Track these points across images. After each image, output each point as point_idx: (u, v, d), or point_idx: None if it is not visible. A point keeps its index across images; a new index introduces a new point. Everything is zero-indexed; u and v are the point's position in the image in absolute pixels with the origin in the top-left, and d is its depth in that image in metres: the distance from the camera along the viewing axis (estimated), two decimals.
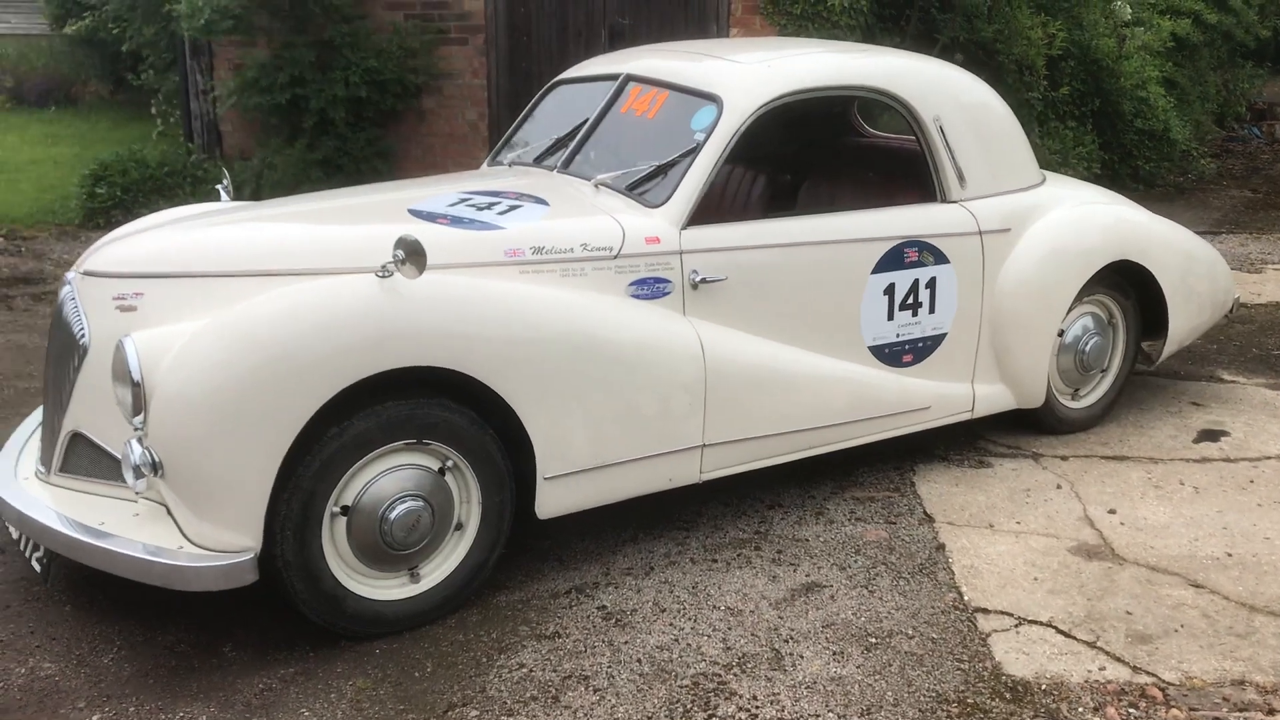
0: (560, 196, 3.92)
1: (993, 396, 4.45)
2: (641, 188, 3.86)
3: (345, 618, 3.24)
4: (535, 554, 3.78)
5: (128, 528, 3.16)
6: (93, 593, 3.51)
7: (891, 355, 4.16)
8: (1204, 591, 3.54)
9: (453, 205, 3.77)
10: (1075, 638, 3.29)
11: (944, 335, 4.26)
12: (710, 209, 3.88)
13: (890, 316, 4.11)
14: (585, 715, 2.96)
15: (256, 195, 8.09)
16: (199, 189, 8.92)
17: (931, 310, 4.20)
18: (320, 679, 3.13)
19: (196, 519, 3.05)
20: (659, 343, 3.58)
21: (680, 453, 3.68)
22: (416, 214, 3.66)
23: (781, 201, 4.82)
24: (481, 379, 3.26)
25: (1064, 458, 4.56)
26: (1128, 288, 4.76)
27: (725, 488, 4.12)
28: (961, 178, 4.28)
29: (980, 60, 8.90)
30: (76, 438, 3.39)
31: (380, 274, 3.17)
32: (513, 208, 3.78)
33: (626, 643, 3.28)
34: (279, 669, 3.18)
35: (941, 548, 3.82)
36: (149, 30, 10.29)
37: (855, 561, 3.73)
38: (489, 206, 3.77)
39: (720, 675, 3.12)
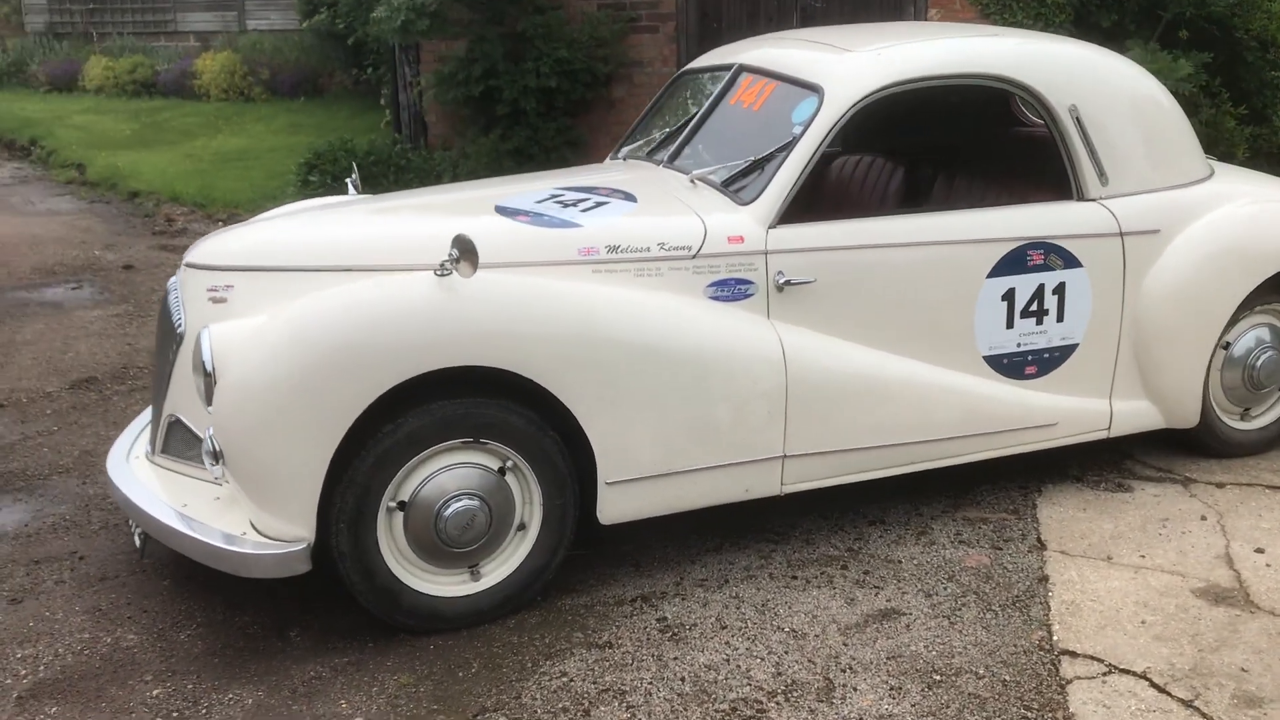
0: (652, 192, 3.81)
1: (1135, 414, 4.04)
2: (738, 183, 3.71)
3: (401, 612, 3.27)
4: (613, 558, 3.70)
5: (205, 511, 3.28)
6: (192, 570, 3.67)
7: (1012, 366, 3.84)
8: None
9: (540, 202, 3.72)
10: (1170, 693, 2.94)
11: (1074, 346, 3.90)
12: (810, 205, 3.68)
13: (1010, 324, 3.79)
14: None
15: None
16: (401, 178, 9.27)
17: (1060, 319, 3.85)
18: (369, 671, 3.16)
19: (256, 507, 3.13)
20: (734, 348, 3.43)
21: (758, 463, 3.51)
22: (502, 210, 3.64)
23: (904, 198, 4.52)
24: (538, 380, 3.20)
25: (1220, 485, 4.10)
26: None
27: (825, 500, 3.92)
28: (1102, 173, 3.89)
29: (1212, 38, 8.15)
30: (175, 422, 3.55)
31: (439, 272, 3.16)
32: (599, 204, 3.70)
33: (676, 659, 3.16)
34: (334, 658, 3.23)
35: (1045, 579, 3.50)
36: (366, 26, 10.75)
37: (944, 589, 3.47)
38: (576, 204, 3.70)
39: (762, 703, 2.96)
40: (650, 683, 3.06)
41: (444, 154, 9.31)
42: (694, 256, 3.48)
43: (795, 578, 3.58)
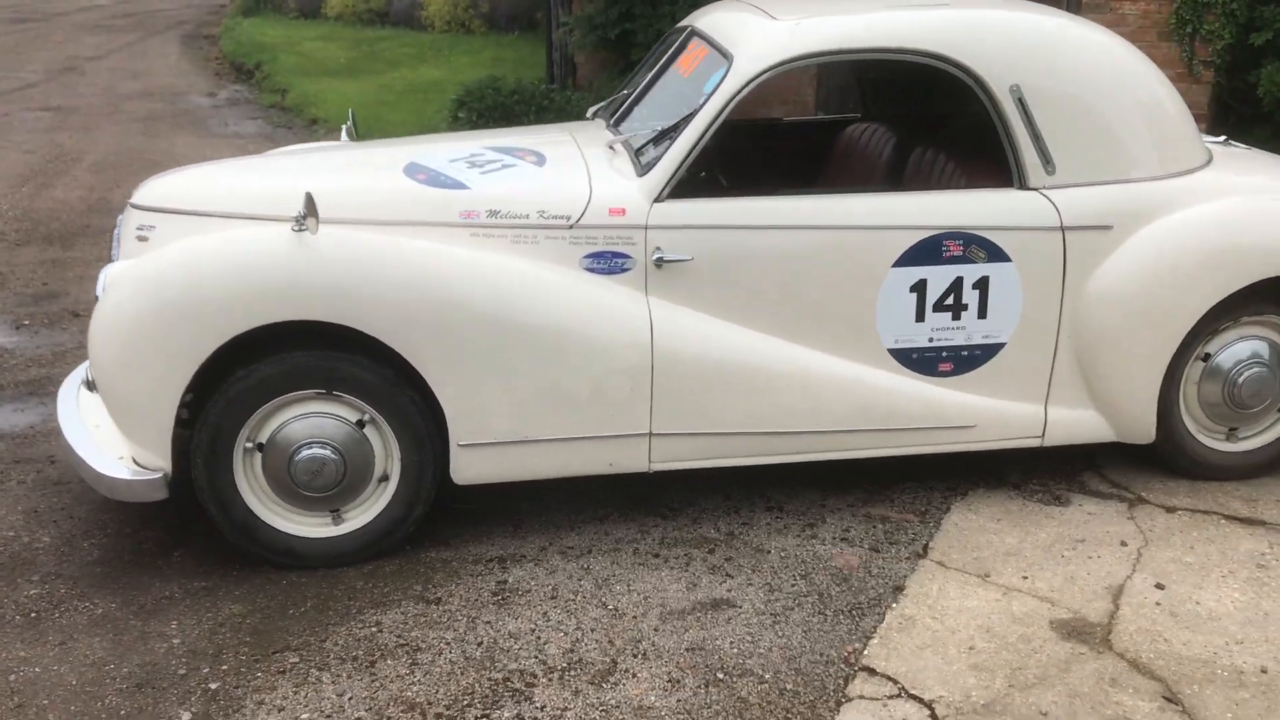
0: (566, 155, 3.79)
1: (1076, 424, 3.73)
2: (646, 153, 3.64)
3: (258, 545, 3.46)
4: (499, 517, 3.77)
5: (107, 436, 3.55)
6: None
7: (923, 362, 3.62)
8: (1176, 710, 2.82)
9: (454, 161, 3.77)
10: None
11: (1000, 346, 3.63)
12: (727, 179, 3.57)
13: (920, 318, 3.57)
14: (382, 687, 2.97)
15: None
16: (542, 116, 9.44)
17: (982, 315, 3.59)
18: (215, 599, 3.38)
19: (123, 436, 3.38)
20: (597, 322, 3.40)
21: (623, 438, 3.49)
22: (409, 168, 3.72)
23: (843, 175, 4.28)
24: (382, 339, 3.29)
25: (1171, 510, 3.75)
26: None
27: (734, 480, 3.87)
28: (1047, 160, 3.57)
29: None
30: None
31: (294, 228, 3.28)
32: (506, 167, 3.72)
33: (487, 623, 3.22)
34: (195, 582, 3.47)
35: (899, 590, 3.33)
36: None
37: (792, 586, 3.36)
38: (485, 165, 3.74)
39: (535, 677, 2.99)
40: (449, 643, 3.14)
41: (583, 94, 9.41)
42: (571, 226, 3.46)
43: (657, 556, 3.54)
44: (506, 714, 2.85)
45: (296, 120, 11.48)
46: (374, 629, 3.21)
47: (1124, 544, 3.54)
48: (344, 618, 3.27)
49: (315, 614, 3.29)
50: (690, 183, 3.53)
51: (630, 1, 8.81)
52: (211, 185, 3.76)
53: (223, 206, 3.60)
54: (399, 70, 13.81)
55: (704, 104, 3.50)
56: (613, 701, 2.89)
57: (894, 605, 3.24)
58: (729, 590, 3.35)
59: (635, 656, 3.06)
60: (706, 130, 3.47)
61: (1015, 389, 3.67)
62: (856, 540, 3.59)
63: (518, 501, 3.82)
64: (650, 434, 3.49)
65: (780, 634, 3.14)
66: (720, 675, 2.97)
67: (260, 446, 3.39)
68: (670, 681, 2.95)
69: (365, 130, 10.58)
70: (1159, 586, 3.32)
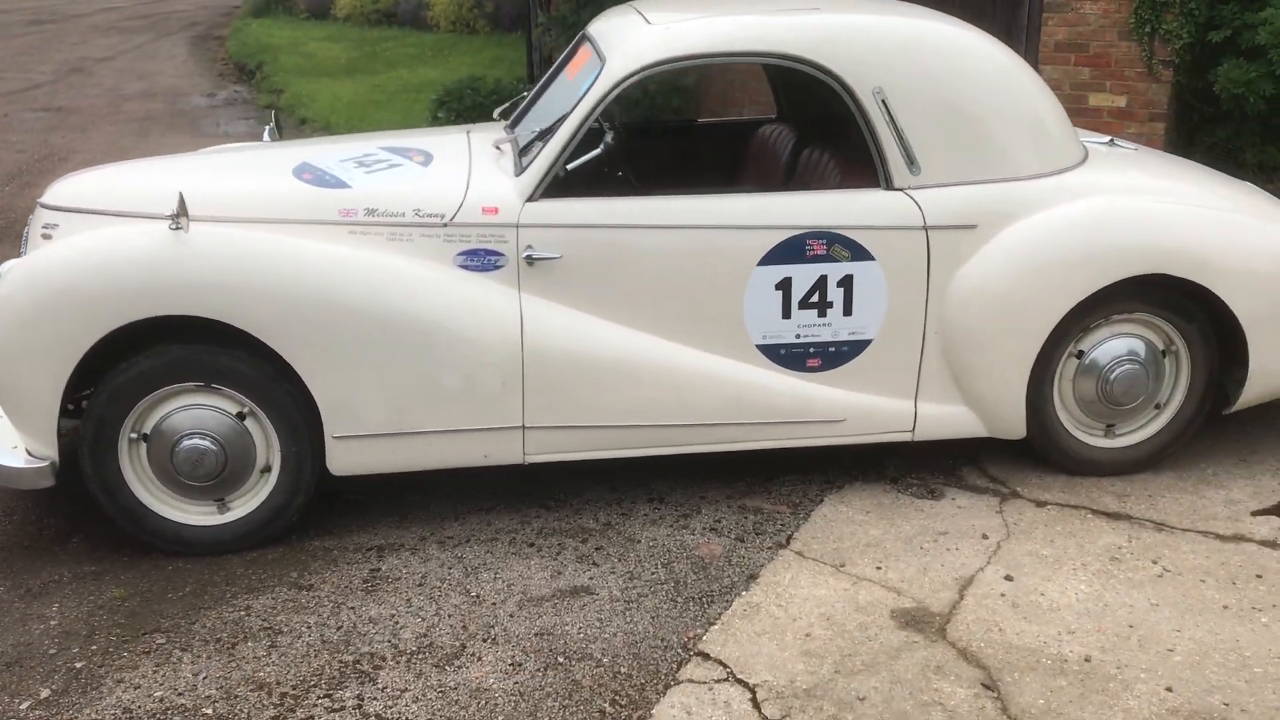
0: (453, 156, 3.91)
1: (947, 419, 3.81)
2: (527, 153, 3.75)
3: (146, 532, 3.60)
4: (393, 506, 3.89)
5: (5, 426, 3.71)
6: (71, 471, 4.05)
7: (791, 358, 3.71)
8: (990, 697, 2.90)
9: (344, 161, 3.90)
10: (761, 710, 2.87)
11: (867, 342, 3.72)
12: (604, 180, 3.68)
13: (786, 315, 3.66)
14: (237, 667, 3.10)
15: None
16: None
17: (847, 312, 3.68)
18: (100, 582, 3.53)
19: (15, 426, 3.53)
20: (467, 318, 3.52)
21: (497, 431, 3.60)
22: (299, 168, 3.84)
23: (704, 176, 4.38)
24: (254, 333, 3.42)
25: (1041, 504, 3.82)
26: (1193, 309, 3.80)
27: (631, 471, 3.97)
28: (912, 161, 3.66)
29: None
30: None
31: (171, 225, 3.42)
32: (393, 166, 3.84)
33: (351, 609, 3.34)
34: (85, 566, 3.62)
35: (753, 578, 3.42)
36: None
37: (652, 574, 3.46)
38: (373, 165, 3.86)
39: (384, 659, 3.11)
40: (310, 627, 3.26)
41: None
42: (446, 225, 3.57)
43: (531, 545, 3.66)
44: (349, 694, 2.97)
45: (287, 120, 11.66)
46: (243, 612, 3.34)
47: (985, 537, 3.61)
48: (217, 602, 3.40)
49: (191, 598, 3.42)
50: (566, 182, 3.63)
51: (602, 2, 8.90)
52: (112, 185, 3.90)
53: (119, 205, 3.74)
54: (396, 70, 13.98)
55: (575, 106, 3.61)
56: (452, 684, 3.00)
57: (743, 593, 3.34)
58: (590, 578, 3.45)
59: (485, 641, 3.17)
60: (577, 131, 3.58)
61: (884, 384, 3.75)
62: (725, 531, 3.68)
63: (405, 493, 3.94)
64: (524, 427, 3.60)
65: (628, 620, 3.24)
66: (561, 659, 3.08)
67: (145, 437, 3.52)
68: (512, 665, 3.07)
69: (349, 128, 10.76)
70: (1008, 578, 3.39)
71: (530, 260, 3.55)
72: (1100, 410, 3.90)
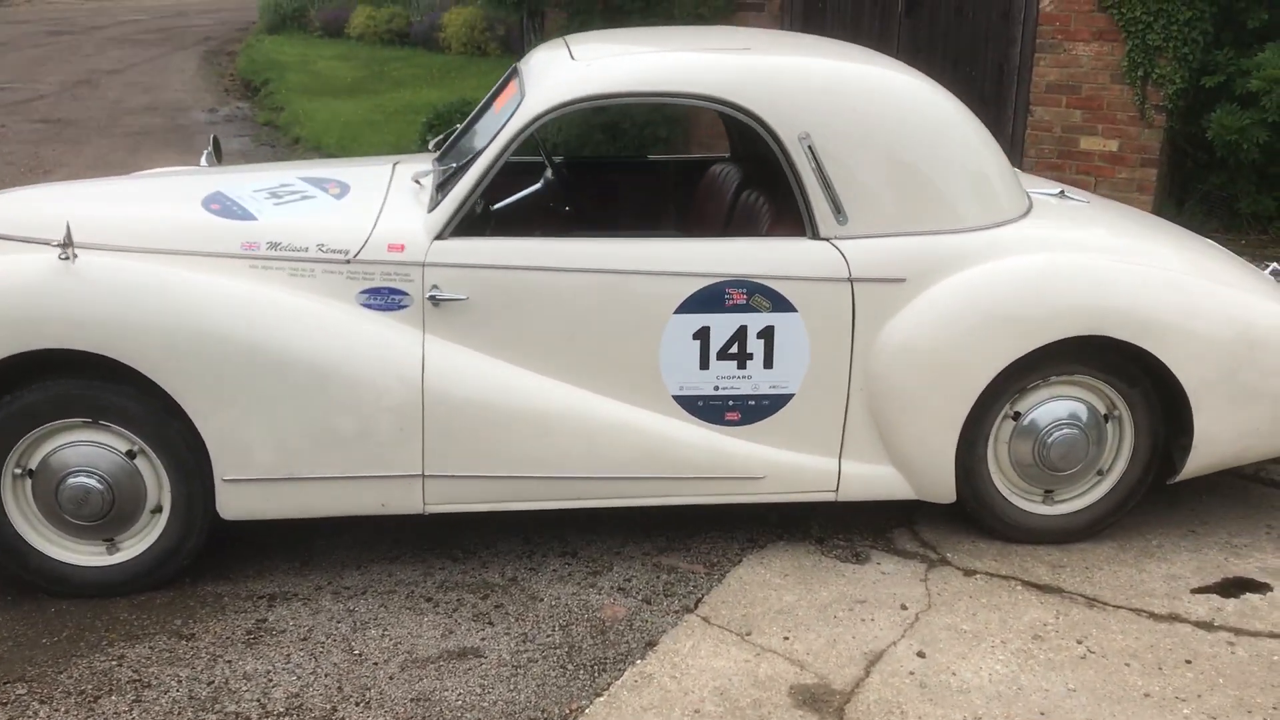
0: (370, 189, 3.77)
1: (873, 480, 3.63)
2: (443, 188, 3.61)
3: (29, 572, 3.46)
4: (295, 551, 3.73)
5: None
6: None
7: (709, 410, 3.54)
8: None
9: (257, 191, 3.77)
10: None
11: (789, 396, 3.54)
12: (526, 219, 3.55)
13: (705, 365, 3.50)
14: None
15: None
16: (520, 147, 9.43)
17: (768, 365, 3.51)
18: None
19: None
20: (364, 360, 3.37)
21: (394, 479, 3.45)
22: (210, 198, 3.71)
23: (652, 215, 4.22)
24: (142, 370, 3.28)
25: (970, 573, 3.63)
26: (1136, 373, 3.62)
27: (548, 523, 3.81)
28: (839, 210, 3.49)
29: None
30: None
31: (60, 255, 3.29)
32: (305, 198, 3.71)
33: (228, 662, 3.19)
34: None
35: (652, 645, 3.25)
36: None
37: (548, 637, 3.29)
38: (287, 196, 3.73)
39: None
40: (181, 681, 3.11)
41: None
42: (349, 261, 3.43)
43: (429, 600, 3.49)
44: None
45: (281, 138, 11.61)
46: (115, 662, 3.19)
47: (904, 607, 3.42)
48: (92, 649, 3.25)
49: (67, 644, 3.28)
50: (483, 220, 3.49)
51: (592, 25, 8.81)
52: (23, 209, 3.77)
53: (19, 230, 3.61)
54: (401, 91, 13.93)
55: (490, 142, 3.46)
56: None
57: (638, 662, 3.16)
58: (482, 639, 3.28)
59: (358, 705, 3.01)
60: (489, 169, 3.44)
61: (807, 442, 3.57)
62: (634, 591, 3.51)
63: (311, 537, 3.78)
64: (423, 475, 3.44)
65: (512, 687, 3.07)
66: None
67: (30, 473, 3.38)
68: None
69: (341, 150, 10.68)
70: (921, 655, 3.20)
71: (435, 301, 3.41)
72: (1038, 475, 3.71)
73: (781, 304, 3.45)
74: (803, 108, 3.46)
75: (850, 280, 3.47)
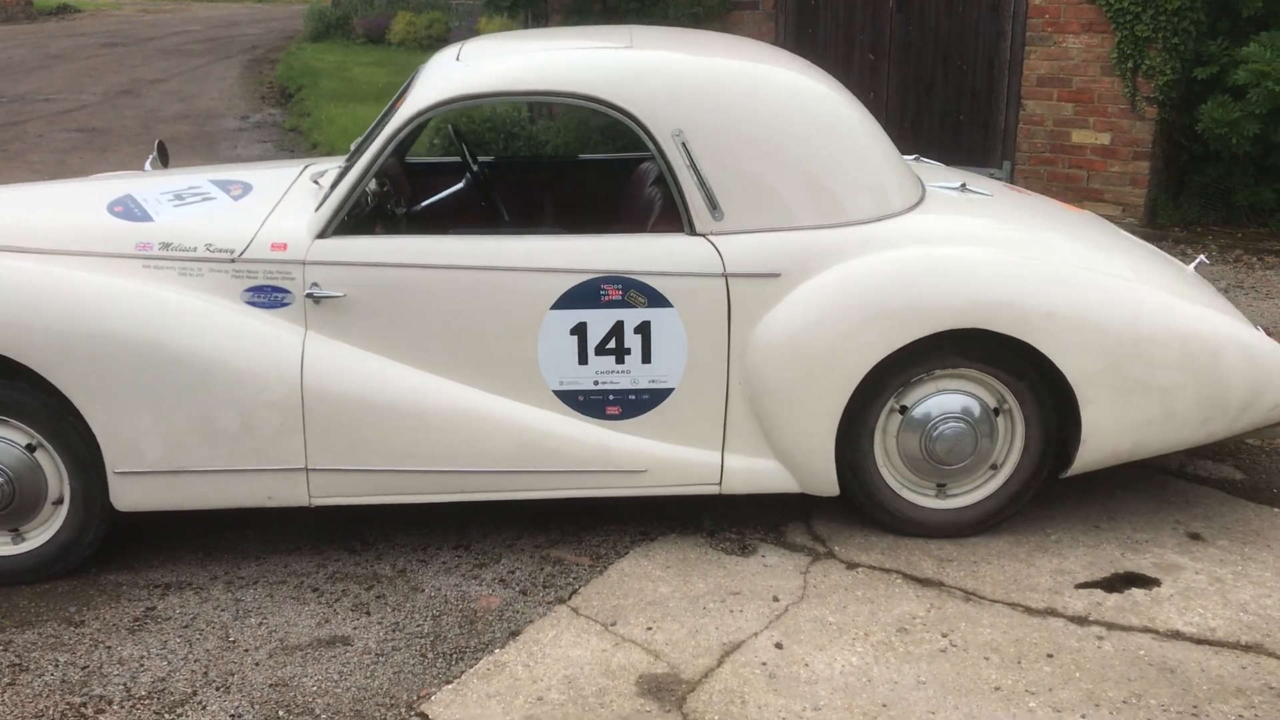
0: (270, 190, 3.88)
1: (757, 474, 3.65)
2: (335, 187, 3.70)
3: None
4: (200, 542, 3.84)
5: None
6: None
7: (590, 405, 3.59)
8: None
9: (164, 194, 3.89)
10: None
11: (669, 391, 3.58)
12: (416, 219, 3.63)
13: (583, 360, 3.55)
14: None
15: None
16: (511, 144, 9.56)
17: (646, 360, 3.55)
18: None
19: None
20: (245, 356, 3.46)
21: (280, 472, 3.54)
22: (117, 200, 3.84)
23: (579, 212, 4.27)
24: (31, 365, 3.41)
25: (853, 566, 3.63)
26: (1023, 366, 3.60)
27: (449, 515, 3.87)
28: (714, 206, 3.52)
29: None
30: None
31: None
32: (205, 200, 3.82)
33: (109, 648, 3.30)
34: None
35: (515, 635, 3.30)
36: None
37: (416, 626, 3.37)
38: (190, 198, 3.84)
39: (109, 704, 3.06)
40: (58, 665, 3.23)
41: (547, 123, 9.52)
42: (234, 260, 3.53)
43: (316, 590, 3.58)
44: None
45: (302, 143, 11.83)
46: (2, 649, 3.31)
47: (776, 599, 3.44)
48: None
49: None
50: (363, 219, 3.58)
51: (587, 16, 8.90)
52: None
53: None
54: None
55: (370, 144, 3.55)
56: None
57: (497, 651, 3.22)
58: (354, 628, 3.36)
59: (218, 689, 3.10)
60: (370, 168, 3.53)
61: (688, 435, 3.60)
62: (514, 583, 3.57)
63: (220, 530, 3.89)
64: (307, 469, 3.53)
65: (369, 675, 3.14)
66: (282, 713, 3.00)
67: None
68: (231, 716, 2.99)
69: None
70: (779, 646, 3.22)
71: (315, 298, 3.49)
72: (927, 469, 3.70)
73: (657, 299, 3.48)
74: (676, 104, 3.49)
75: (725, 275, 3.49)
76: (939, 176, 4.13)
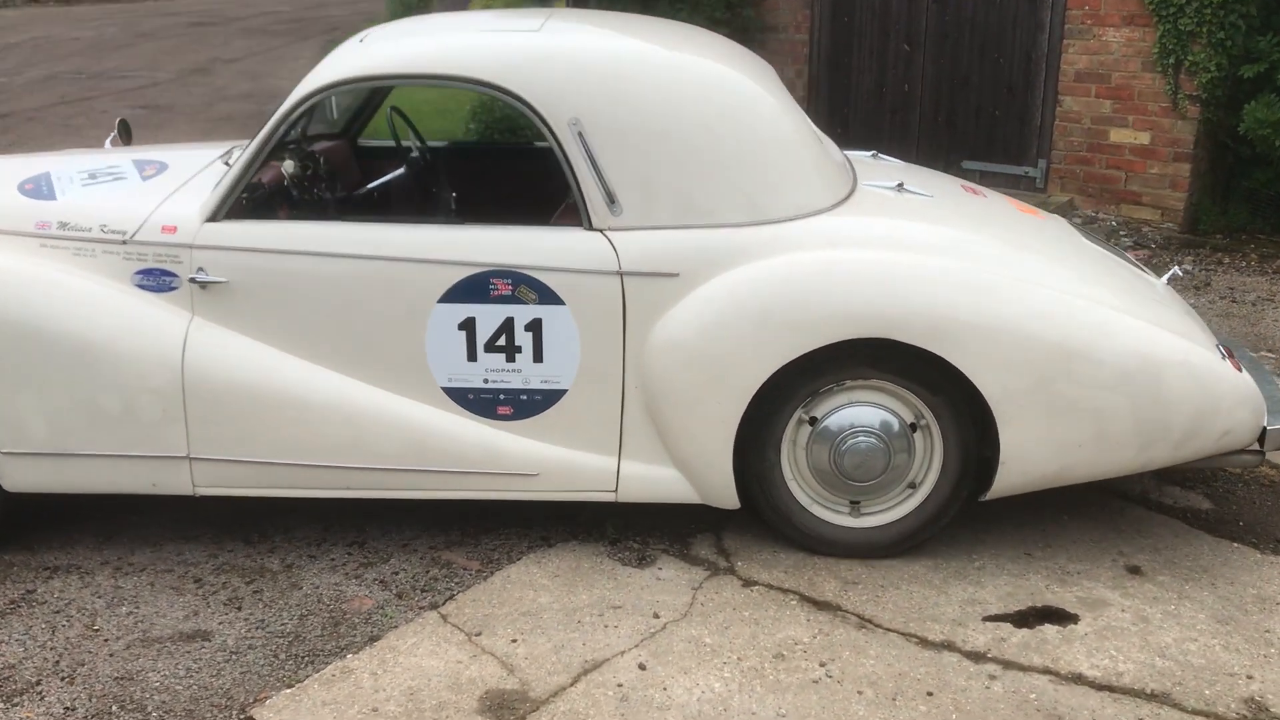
0: (180, 171, 3.81)
1: (654, 482, 3.47)
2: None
3: None
4: (105, 525, 3.80)
5: None
6: None
7: (480, 404, 3.45)
8: None
9: (81, 172, 3.86)
10: None
11: (561, 392, 3.42)
12: (262, 203, 3.53)
13: (472, 357, 3.41)
14: None
15: None
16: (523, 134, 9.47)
17: (538, 358, 3.40)
18: None
19: None
20: (127, 340, 3.40)
21: (162, 460, 3.48)
22: (31, 178, 3.81)
23: (526, 200, 4.10)
24: None
25: (750, 584, 3.44)
26: (938, 380, 3.37)
27: (353, 510, 3.79)
28: (612, 200, 3.35)
29: None
30: None
31: None
32: (116, 179, 3.78)
33: None
34: None
35: (375, 639, 3.19)
36: None
37: (280, 624, 3.28)
38: (104, 177, 3.80)
39: None
40: None
41: None
42: (125, 242, 3.47)
43: (198, 581, 3.52)
44: None
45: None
46: None
47: (657, 615, 3.27)
48: None
49: None
50: (257, 205, 3.49)
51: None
52: None
53: None
54: None
55: (263, 126, 3.45)
56: None
57: (350, 656, 3.10)
58: (220, 623, 3.28)
59: (62, 680, 3.04)
60: (260, 153, 3.43)
61: (583, 439, 3.44)
62: (395, 584, 3.45)
63: (125, 514, 3.84)
64: (190, 458, 3.46)
65: (216, 673, 3.06)
66: (114, 708, 2.93)
67: None
68: (64, 709, 2.93)
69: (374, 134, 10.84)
70: (642, 667, 3.05)
71: (200, 283, 3.41)
72: (839, 484, 3.48)
73: (549, 296, 3.33)
74: (573, 92, 3.32)
75: (620, 274, 3.32)
76: (882, 175, 3.88)
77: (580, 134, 3.31)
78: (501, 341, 3.37)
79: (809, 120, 3.60)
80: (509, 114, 9.72)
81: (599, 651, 3.11)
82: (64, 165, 3.93)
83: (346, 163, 4.38)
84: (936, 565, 3.53)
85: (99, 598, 3.42)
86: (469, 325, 3.36)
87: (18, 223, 3.56)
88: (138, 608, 3.37)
